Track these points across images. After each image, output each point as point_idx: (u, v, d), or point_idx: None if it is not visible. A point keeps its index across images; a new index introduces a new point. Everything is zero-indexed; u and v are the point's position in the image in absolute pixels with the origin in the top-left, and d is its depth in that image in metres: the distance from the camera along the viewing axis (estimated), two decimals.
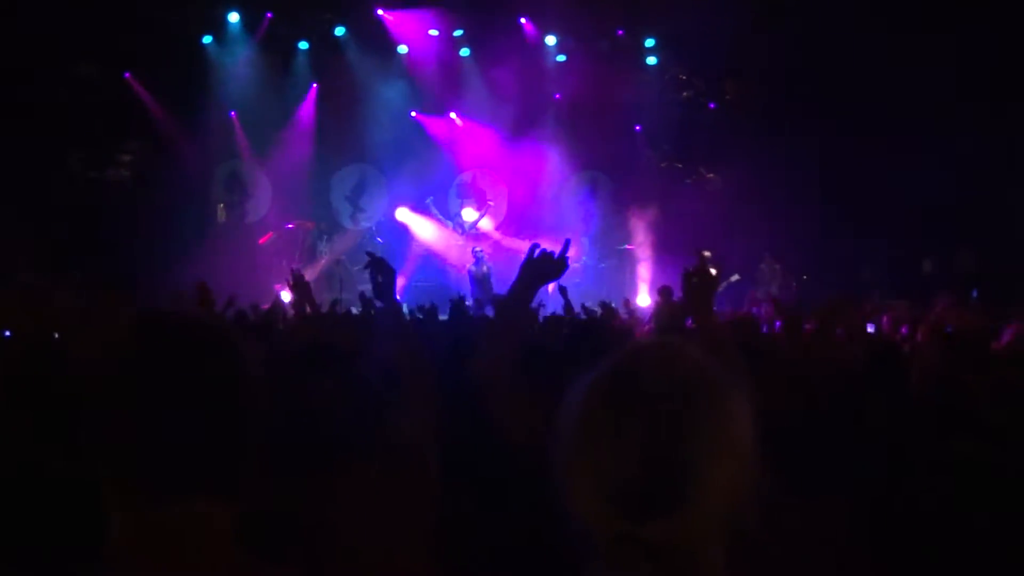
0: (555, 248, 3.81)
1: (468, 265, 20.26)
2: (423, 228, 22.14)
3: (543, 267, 3.72)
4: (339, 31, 21.56)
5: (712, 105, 22.69)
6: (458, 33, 22.09)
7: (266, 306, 11.69)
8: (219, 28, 21.10)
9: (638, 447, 1.66)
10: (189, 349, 1.84)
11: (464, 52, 22.33)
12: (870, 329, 10.98)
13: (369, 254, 4.09)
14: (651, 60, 22.87)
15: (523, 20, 21.80)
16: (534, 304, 8.43)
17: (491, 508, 3.31)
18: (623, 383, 1.75)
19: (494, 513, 3.30)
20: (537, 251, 3.77)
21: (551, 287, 17.71)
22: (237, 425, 1.84)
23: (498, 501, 3.31)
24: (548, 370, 3.84)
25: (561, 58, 22.70)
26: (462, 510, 3.37)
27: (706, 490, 1.67)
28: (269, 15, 21.10)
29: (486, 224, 21.86)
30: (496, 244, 21.66)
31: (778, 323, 9.82)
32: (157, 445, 1.76)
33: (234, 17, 21.06)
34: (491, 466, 3.39)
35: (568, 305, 10.51)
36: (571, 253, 3.80)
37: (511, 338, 3.55)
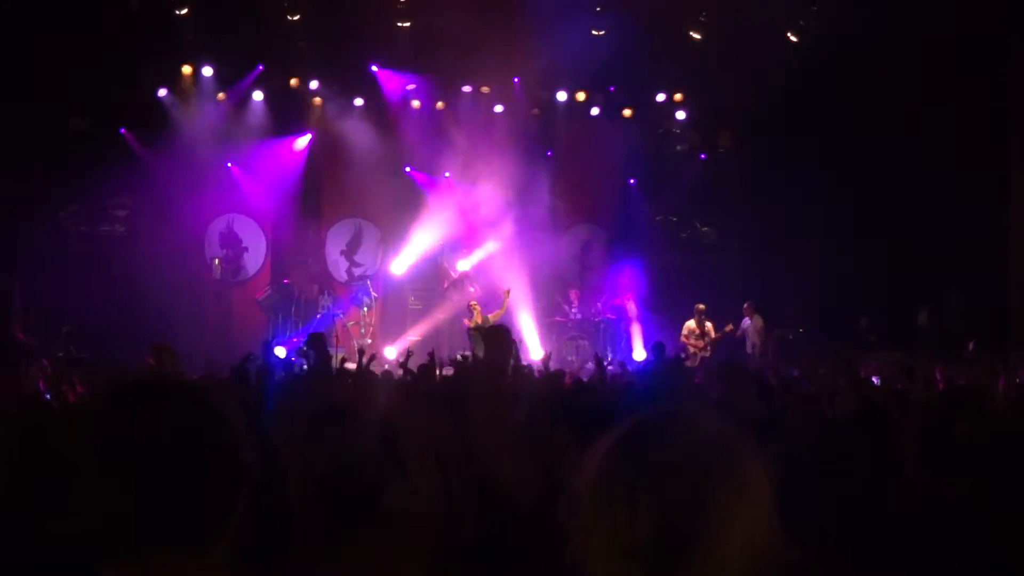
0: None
1: (465, 320, 20.17)
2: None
3: (502, 338, 3.68)
4: (332, 86, 21.60)
5: (703, 156, 22.75)
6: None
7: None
8: (213, 83, 21.15)
9: (654, 511, 1.67)
10: (170, 411, 1.88)
11: (456, 109, 22.45)
12: (875, 381, 11.00)
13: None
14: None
15: (516, 80, 21.87)
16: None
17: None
18: (641, 448, 1.75)
19: None
20: (491, 321, 3.76)
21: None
22: (221, 486, 1.87)
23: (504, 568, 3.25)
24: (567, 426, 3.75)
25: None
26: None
27: (721, 554, 1.66)
28: (260, 67, 21.15)
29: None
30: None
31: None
32: (142, 503, 1.79)
33: (226, 73, 21.12)
34: (499, 534, 3.33)
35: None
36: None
37: (506, 405, 3.48)
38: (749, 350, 19.86)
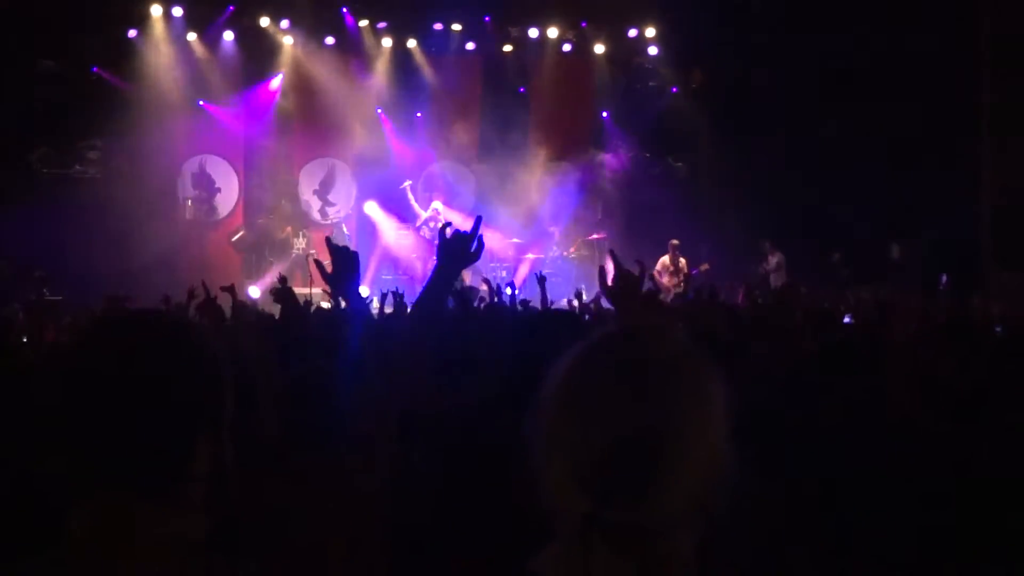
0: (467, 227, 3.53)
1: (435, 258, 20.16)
2: (387, 225, 22.01)
3: (458, 248, 3.51)
4: (303, 24, 21.40)
5: (674, 89, 22.67)
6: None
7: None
8: (183, 24, 20.94)
9: (613, 427, 1.64)
10: (146, 348, 1.83)
11: (427, 48, 22.34)
12: (847, 320, 11.02)
13: (328, 240, 3.85)
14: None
15: (487, 18, 21.79)
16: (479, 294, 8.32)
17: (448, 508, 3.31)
18: (601, 363, 1.72)
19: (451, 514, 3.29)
20: (450, 231, 3.56)
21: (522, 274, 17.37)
22: (196, 422, 1.84)
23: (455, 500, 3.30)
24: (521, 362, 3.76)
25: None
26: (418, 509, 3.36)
27: (678, 474, 1.64)
28: (231, 8, 20.99)
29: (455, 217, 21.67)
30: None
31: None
32: (112, 442, 1.76)
33: (196, 13, 20.90)
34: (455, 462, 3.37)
35: (544, 297, 10.04)
36: (482, 230, 3.52)
37: (427, 329, 3.47)
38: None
